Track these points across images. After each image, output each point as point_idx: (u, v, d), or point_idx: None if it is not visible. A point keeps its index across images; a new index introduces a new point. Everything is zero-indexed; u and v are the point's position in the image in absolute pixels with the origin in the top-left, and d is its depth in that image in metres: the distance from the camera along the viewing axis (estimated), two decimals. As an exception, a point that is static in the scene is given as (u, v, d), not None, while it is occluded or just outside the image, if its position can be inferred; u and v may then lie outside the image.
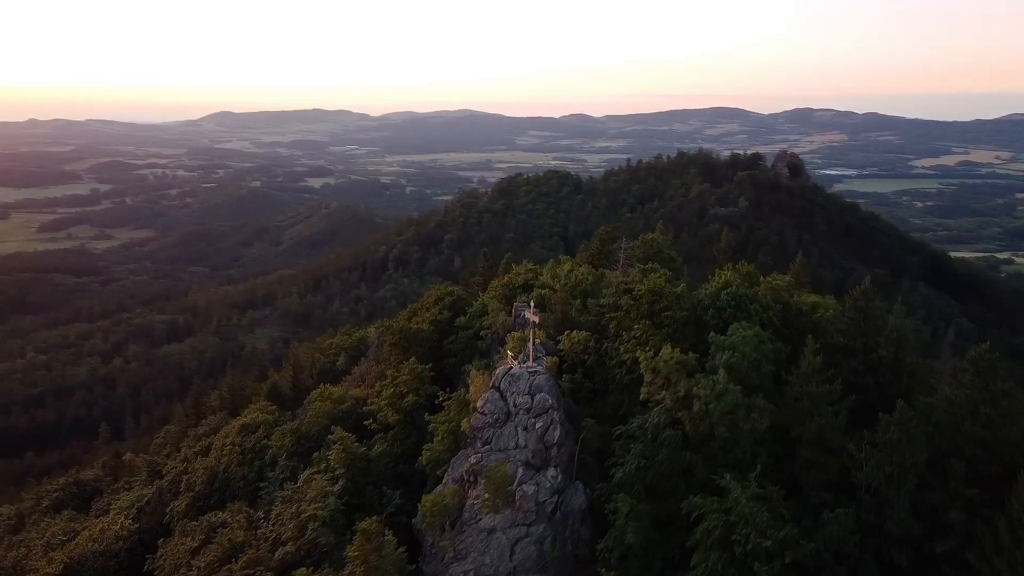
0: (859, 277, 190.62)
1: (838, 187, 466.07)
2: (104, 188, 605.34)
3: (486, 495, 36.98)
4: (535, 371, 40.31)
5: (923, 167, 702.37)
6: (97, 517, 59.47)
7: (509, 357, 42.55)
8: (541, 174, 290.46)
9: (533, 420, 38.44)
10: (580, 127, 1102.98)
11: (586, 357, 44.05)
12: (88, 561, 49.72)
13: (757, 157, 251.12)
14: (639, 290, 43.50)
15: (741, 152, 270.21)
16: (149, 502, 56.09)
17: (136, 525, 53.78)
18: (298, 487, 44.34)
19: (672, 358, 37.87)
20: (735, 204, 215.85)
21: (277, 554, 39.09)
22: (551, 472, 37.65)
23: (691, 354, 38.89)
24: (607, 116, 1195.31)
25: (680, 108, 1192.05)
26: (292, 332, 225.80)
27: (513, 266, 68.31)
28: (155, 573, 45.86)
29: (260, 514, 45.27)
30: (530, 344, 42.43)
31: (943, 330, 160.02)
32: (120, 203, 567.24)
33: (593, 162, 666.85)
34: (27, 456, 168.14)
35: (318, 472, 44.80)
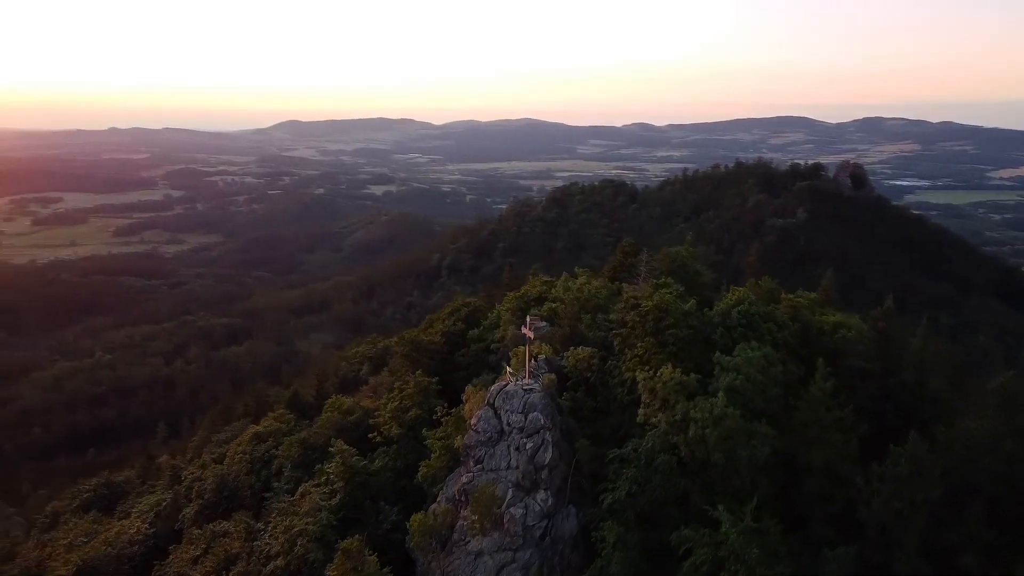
0: (922, 292, 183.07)
1: (908, 199, 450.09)
2: (177, 194, 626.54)
3: (474, 517, 35.84)
4: (530, 388, 38.98)
5: (1001, 178, 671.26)
6: (119, 520, 60.52)
7: (507, 373, 41.40)
8: (596, 183, 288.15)
9: (525, 440, 37.11)
10: (642, 136, 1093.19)
11: (589, 375, 42.60)
12: (101, 564, 50.41)
13: (818, 167, 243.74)
14: (645, 306, 41.83)
15: (802, 162, 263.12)
16: (166, 507, 56.81)
17: (152, 530, 54.42)
18: (295, 499, 44.08)
19: (671, 379, 36.18)
20: (793, 215, 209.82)
21: (268, 568, 38.74)
22: (541, 495, 36.21)
23: (692, 375, 37.08)
24: (669, 125, 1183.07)
25: (744, 117, 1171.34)
26: (345, 338, 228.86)
27: (531, 278, 67.06)
28: (161, 579, 46.17)
29: (261, 525, 45.11)
30: (527, 360, 41.18)
31: (1015, 349, 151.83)
32: (191, 208, 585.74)
33: (654, 171, 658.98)
34: (89, 453, 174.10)
35: (317, 484, 44.42)
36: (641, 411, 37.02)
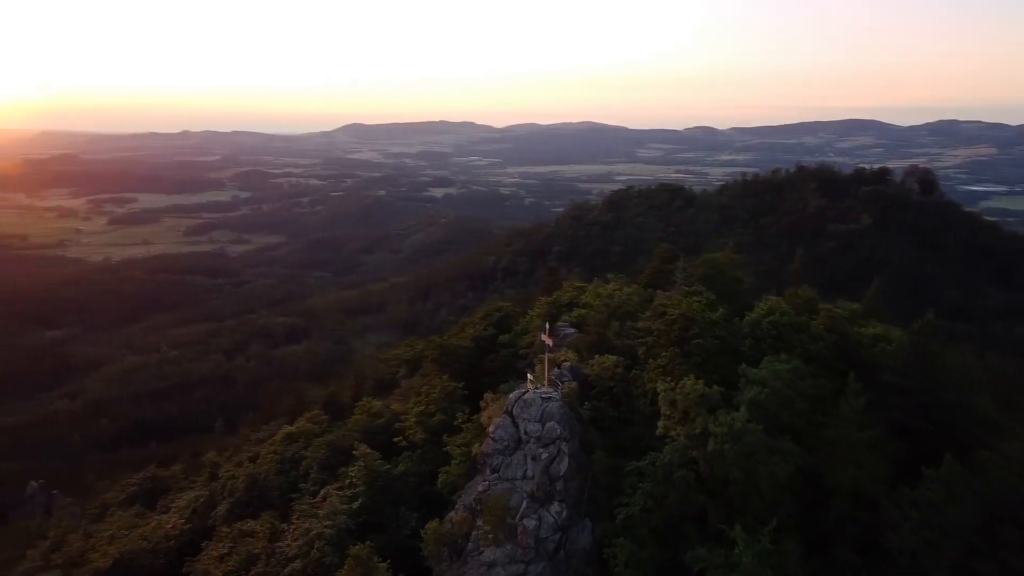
0: (994, 303, 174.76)
1: (984, 204, 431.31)
2: (244, 195, 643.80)
3: (486, 527, 35.25)
4: (549, 397, 38.24)
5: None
6: (160, 514, 61.96)
7: (529, 380, 40.73)
8: (653, 187, 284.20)
9: (541, 450, 36.37)
10: (704, 140, 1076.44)
11: (612, 384, 41.59)
12: (137, 557, 51.60)
13: (884, 171, 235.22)
14: (671, 314, 40.64)
15: (867, 166, 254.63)
16: (201, 504, 57.83)
17: (188, 525, 55.45)
18: (316, 502, 44.21)
19: (693, 391, 34.97)
20: (856, 221, 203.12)
21: (286, 570, 38.89)
22: (555, 507, 35.38)
23: (716, 387, 35.76)
24: (732, 128, 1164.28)
25: (810, 120, 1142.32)
26: (399, 339, 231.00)
27: (563, 283, 66.19)
28: (188, 575, 46.84)
29: (285, 526, 45.38)
30: (546, 367, 40.42)
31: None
32: (257, 209, 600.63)
33: (715, 175, 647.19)
34: (151, 445, 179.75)
35: (340, 488, 44.46)
36: (661, 423, 35.89)
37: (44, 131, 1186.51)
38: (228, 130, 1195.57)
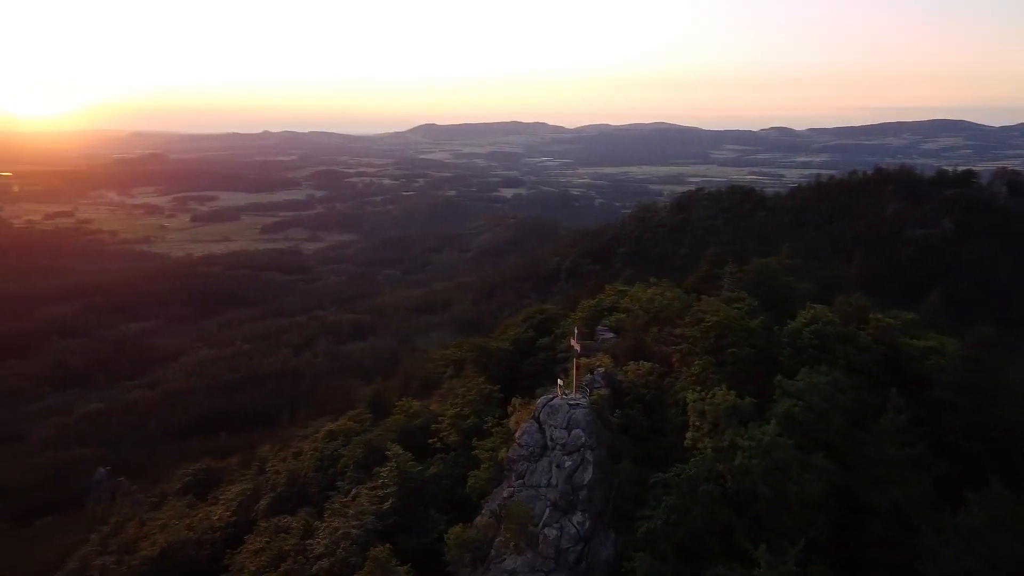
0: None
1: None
2: (319, 194, 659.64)
3: (508, 534, 34.64)
4: (576, 403, 37.36)
5: None
6: (209, 505, 63.59)
7: (558, 386, 39.91)
8: (723, 189, 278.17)
9: (565, 457, 35.53)
10: (781, 141, 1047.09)
11: (645, 391, 40.45)
12: (183, 548, 52.99)
13: (970, 173, 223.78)
14: (707, 321, 39.25)
15: (950, 168, 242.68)
16: (247, 497, 59.04)
17: (233, 518, 56.66)
18: (346, 501, 44.42)
19: (723, 401, 33.59)
20: (937, 226, 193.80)
21: (313, 568, 39.14)
22: (577, 517, 34.47)
23: (748, 398, 34.27)
24: (811, 129, 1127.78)
25: (894, 120, 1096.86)
26: (461, 338, 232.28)
27: (606, 286, 64.93)
28: (229, 568, 47.81)
29: (319, 524, 45.77)
30: (574, 373, 39.54)
31: None
32: (331, 208, 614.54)
33: (792, 177, 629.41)
34: (221, 436, 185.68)
35: (373, 488, 44.54)
36: (689, 435, 34.64)
37: (136, 131, 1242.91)
38: (306, 131, 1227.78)
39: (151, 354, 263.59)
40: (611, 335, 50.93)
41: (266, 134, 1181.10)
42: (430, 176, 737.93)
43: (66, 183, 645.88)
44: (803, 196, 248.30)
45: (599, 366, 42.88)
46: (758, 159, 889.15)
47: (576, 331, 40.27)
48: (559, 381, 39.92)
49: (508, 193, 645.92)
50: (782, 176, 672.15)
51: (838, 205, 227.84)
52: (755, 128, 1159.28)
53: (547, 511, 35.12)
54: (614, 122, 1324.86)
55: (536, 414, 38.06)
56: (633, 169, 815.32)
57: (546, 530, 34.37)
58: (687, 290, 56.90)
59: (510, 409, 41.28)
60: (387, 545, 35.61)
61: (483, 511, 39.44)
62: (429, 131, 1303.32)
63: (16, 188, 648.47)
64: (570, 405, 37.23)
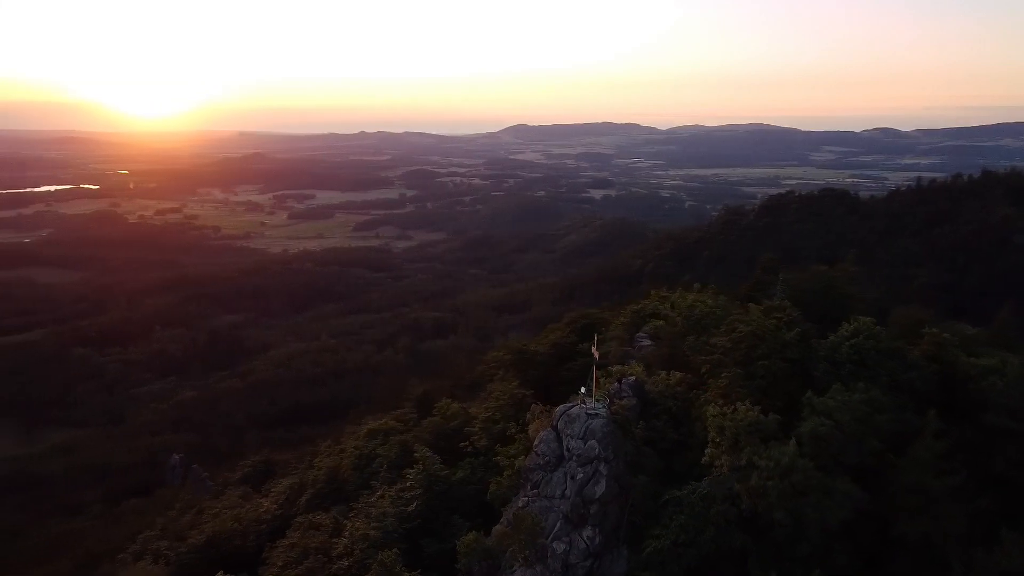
0: None
1: None
2: (410, 193, 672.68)
3: (516, 546, 33.61)
4: (595, 413, 35.93)
5: None
6: (261, 497, 65.09)
7: (580, 393, 38.53)
8: (815, 191, 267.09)
9: (579, 469, 34.26)
10: (884, 142, 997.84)
11: (672, 403, 38.58)
12: (227, 538, 54.28)
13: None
14: (740, 331, 37.09)
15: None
16: (294, 491, 59.98)
17: (280, 511, 57.68)
18: (372, 501, 44.27)
19: (745, 417, 31.56)
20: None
21: (333, 567, 39.19)
22: (587, 531, 33.09)
23: (773, 415, 32.09)
24: (917, 130, 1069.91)
25: (1012, 121, 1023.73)
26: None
27: (652, 292, 62.43)
28: (266, 561, 48.57)
29: (347, 522, 45.86)
30: (593, 381, 38.05)
31: None
32: (422, 207, 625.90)
33: (895, 181, 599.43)
34: (302, 428, 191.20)
35: (403, 489, 44.26)
36: (708, 451, 32.73)
37: (242, 132, 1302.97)
38: (401, 131, 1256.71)
39: (244, 345, 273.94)
40: (649, 342, 49.10)
41: (362, 134, 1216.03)
42: (520, 176, 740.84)
43: (176, 181, 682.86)
44: (901, 200, 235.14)
45: (630, 374, 41.27)
46: (859, 161, 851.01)
47: (596, 338, 38.83)
48: (582, 389, 38.63)
49: (597, 194, 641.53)
50: (885, 180, 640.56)
51: (939, 210, 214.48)
52: (857, 129, 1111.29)
53: (558, 524, 33.92)
54: (708, 123, 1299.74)
55: (554, 422, 36.90)
56: (726, 171, 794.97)
57: (555, 543, 33.20)
58: (738, 297, 54.39)
59: (528, 416, 40.21)
60: (394, 550, 35.26)
61: (502, 520, 38.61)
62: (520, 131, 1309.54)
63: (132, 185, 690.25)
64: (588, 415, 35.87)
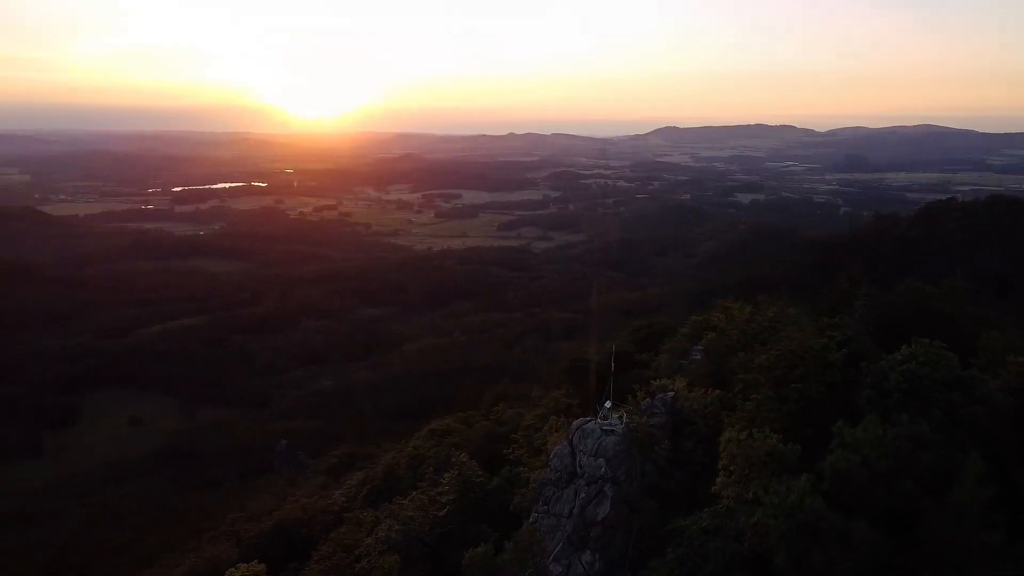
0: None
1: None
2: (554, 195, 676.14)
3: (514, 565, 32.06)
4: (610, 429, 33.73)
5: None
6: (336, 489, 66.84)
7: (604, 407, 36.37)
8: (980, 199, 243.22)
9: (585, 488, 32.29)
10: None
11: (703, 423, 35.62)
12: (291, 527, 55.97)
13: None
14: (780, 349, 33.63)
15: None
16: (358, 485, 61.10)
17: (347, 504, 58.82)
18: (403, 503, 43.84)
19: (763, 445, 28.48)
20: None
21: (357, 567, 39.15)
22: (587, 556, 30.96)
23: (794, 445, 28.74)
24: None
25: None
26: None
27: (721, 303, 58.08)
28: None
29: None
30: (609, 394, 35.76)
31: None
32: (564, 208, 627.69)
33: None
34: (422, 423, 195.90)
35: (441, 492, 43.70)
36: (719, 479, 29.86)
37: (400, 133, 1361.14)
38: (548, 132, 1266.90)
39: (381, 338, 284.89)
40: (699, 357, 45.88)
41: (511, 136, 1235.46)
42: (665, 179, 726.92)
43: (335, 180, 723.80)
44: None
45: (669, 390, 38.65)
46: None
47: (613, 348, 36.54)
48: (607, 403, 36.51)
49: (745, 199, 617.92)
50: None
51: None
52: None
53: (560, 544, 32.13)
54: (871, 124, 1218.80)
55: (570, 436, 35.08)
56: (890, 175, 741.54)
57: (552, 566, 31.42)
58: (820, 313, 49.65)
59: (547, 427, 38.53)
60: (395, 556, 34.72)
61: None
62: (669, 133, 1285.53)
63: (295, 183, 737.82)
64: (603, 431, 33.75)
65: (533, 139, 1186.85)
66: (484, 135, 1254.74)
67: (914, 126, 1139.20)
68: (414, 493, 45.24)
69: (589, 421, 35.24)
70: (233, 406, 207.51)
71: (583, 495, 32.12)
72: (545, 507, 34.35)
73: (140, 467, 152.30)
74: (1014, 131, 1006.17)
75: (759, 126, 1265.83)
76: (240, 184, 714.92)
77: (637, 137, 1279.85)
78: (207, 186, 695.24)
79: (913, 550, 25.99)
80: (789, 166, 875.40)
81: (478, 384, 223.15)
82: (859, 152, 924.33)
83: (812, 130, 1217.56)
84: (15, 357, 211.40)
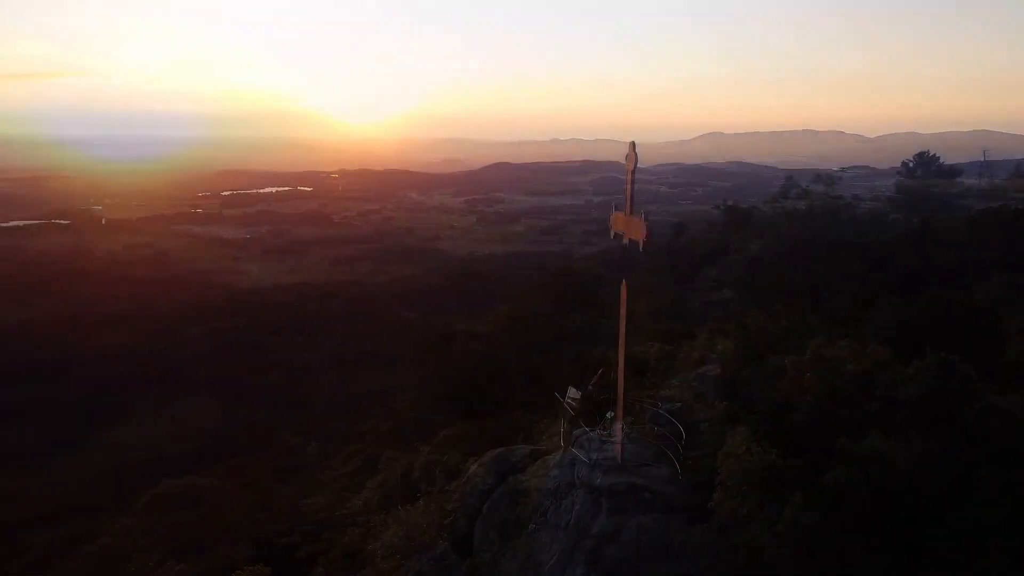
0: None
1: None
2: (596, 200, 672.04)
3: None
4: (607, 440, 33.07)
5: None
6: (357, 492, 66.84)
7: (608, 415, 35.67)
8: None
9: (579, 500, 31.63)
10: None
11: (705, 434, 34.67)
12: (308, 529, 56.08)
13: None
14: (789, 360, 32.62)
15: None
16: (383, 481, 60.93)
17: (362, 507, 58.81)
18: (408, 508, 43.50)
19: (761, 460, 27.51)
20: None
21: (358, 574, 39.03)
22: (580, 570, 30.36)
23: (793, 460, 27.74)
24: None
25: None
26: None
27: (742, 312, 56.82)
28: (327, 552, 49.41)
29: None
30: (619, 407, 34.89)
31: None
32: (606, 214, 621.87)
33: None
34: (457, 422, 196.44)
35: (448, 501, 43.23)
36: (715, 494, 28.99)
37: (445, 138, 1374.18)
38: (592, 139, 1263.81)
39: (419, 341, 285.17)
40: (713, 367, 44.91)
41: (555, 141, 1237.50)
42: (708, 185, 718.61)
43: (380, 184, 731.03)
44: None
45: (677, 401, 37.85)
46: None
47: (622, 357, 35.82)
48: (608, 413, 35.81)
49: (792, 205, 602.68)
50: None
51: None
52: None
53: (555, 558, 31.55)
54: (924, 129, 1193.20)
55: (571, 444, 34.54)
56: (944, 182, 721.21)
57: (547, 577, 30.88)
58: (838, 322, 48.23)
59: (545, 437, 37.94)
60: (397, 561, 34.39)
61: (516, 544, 36.58)
62: (714, 139, 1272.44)
63: (340, 188, 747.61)
64: (602, 441, 33.20)
65: (576, 144, 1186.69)
66: (528, 140, 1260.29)
67: (968, 131, 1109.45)
68: (427, 498, 44.95)
69: (590, 431, 34.67)
70: (269, 407, 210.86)
71: (577, 507, 31.54)
72: (543, 518, 33.80)
73: (180, 464, 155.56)
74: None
75: (806, 132, 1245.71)
76: (286, 188, 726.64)
77: (682, 143, 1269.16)
78: (254, 190, 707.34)
79: (913, 572, 24.89)
80: (837, 172, 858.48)
81: (505, 389, 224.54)
82: (907, 157, 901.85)
83: (861, 135, 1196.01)
84: (66, 357, 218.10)
